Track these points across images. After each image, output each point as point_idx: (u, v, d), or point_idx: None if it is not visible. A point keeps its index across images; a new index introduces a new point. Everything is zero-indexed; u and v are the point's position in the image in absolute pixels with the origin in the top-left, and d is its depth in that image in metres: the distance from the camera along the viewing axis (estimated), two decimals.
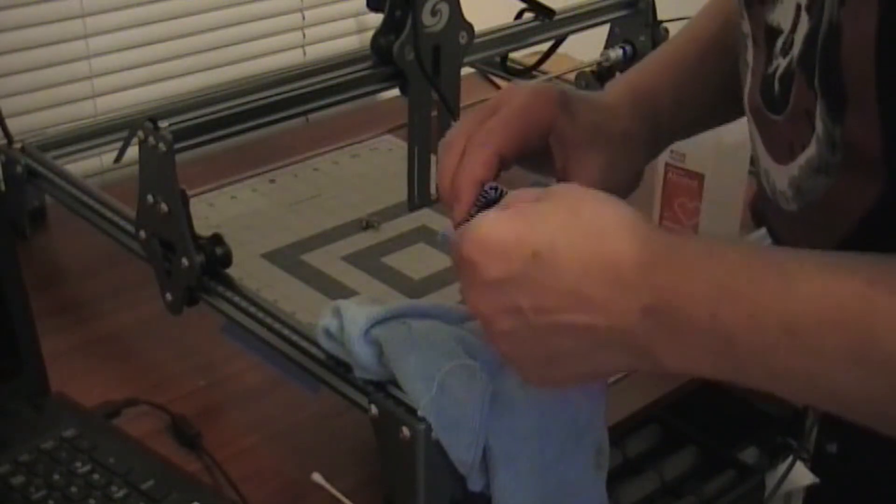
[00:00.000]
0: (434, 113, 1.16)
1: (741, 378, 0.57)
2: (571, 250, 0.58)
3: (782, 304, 0.53)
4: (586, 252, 0.58)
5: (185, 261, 0.92)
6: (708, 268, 0.56)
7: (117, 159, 1.11)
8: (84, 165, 1.20)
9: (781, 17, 0.65)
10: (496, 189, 0.70)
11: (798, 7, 0.62)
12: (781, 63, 0.65)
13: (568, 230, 0.59)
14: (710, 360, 0.56)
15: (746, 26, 0.70)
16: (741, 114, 0.73)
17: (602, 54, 1.43)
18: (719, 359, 0.56)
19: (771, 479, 1.04)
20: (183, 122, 1.11)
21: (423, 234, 1.16)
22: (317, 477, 0.84)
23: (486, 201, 0.70)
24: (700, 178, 1.11)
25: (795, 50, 0.63)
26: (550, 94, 0.75)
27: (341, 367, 0.81)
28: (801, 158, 0.64)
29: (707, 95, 0.82)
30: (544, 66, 1.47)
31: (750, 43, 0.69)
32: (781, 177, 0.66)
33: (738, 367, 0.56)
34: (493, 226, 0.61)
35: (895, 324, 0.51)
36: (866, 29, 0.56)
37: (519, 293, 0.60)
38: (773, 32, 0.66)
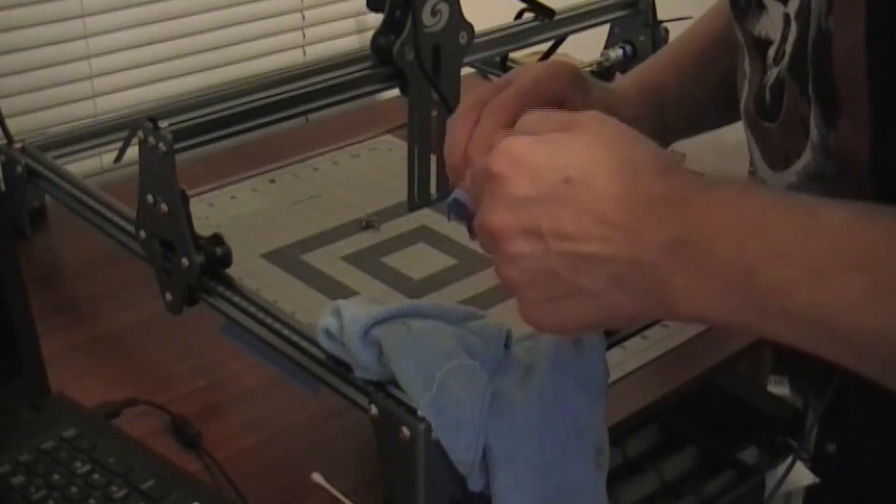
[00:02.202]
0: (434, 113, 1.16)
1: (756, 319, 0.55)
2: (605, 179, 0.58)
3: (810, 243, 0.53)
4: (620, 182, 0.57)
5: (185, 261, 0.92)
6: (739, 205, 0.55)
7: (117, 159, 1.11)
8: (84, 165, 1.20)
9: (768, 27, 0.65)
10: None
11: (787, 17, 0.62)
12: (773, 73, 0.65)
13: (603, 161, 0.58)
14: (728, 297, 0.55)
15: (740, 37, 0.70)
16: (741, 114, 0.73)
17: (602, 54, 1.43)
18: (738, 296, 0.55)
19: (771, 479, 1.04)
20: (183, 122, 1.11)
21: (423, 234, 1.16)
22: (317, 477, 0.84)
23: None
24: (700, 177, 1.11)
25: (786, 59, 0.63)
26: (564, 70, 0.75)
27: (341, 367, 0.81)
28: (798, 165, 0.64)
29: (710, 91, 0.82)
30: None
31: (745, 53, 0.70)
32: (778, 184, 0.67)
33: (756, 307, 0.54)
34: (528, 145, 0.60)
35: None
36: (855, 35, 0.56)
37: (543, 215, 0.59)
38: (761, 43, 0.66)
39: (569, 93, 0.74)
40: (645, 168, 0.58)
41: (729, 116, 0.84)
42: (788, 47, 0.62)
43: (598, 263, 0.58)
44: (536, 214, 0.59)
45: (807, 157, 0.63)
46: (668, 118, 0.81)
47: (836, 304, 0.52)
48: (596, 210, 0.57)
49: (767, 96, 0.65)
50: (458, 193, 0.68)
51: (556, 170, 0.59)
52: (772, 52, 0.65)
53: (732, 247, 0.54)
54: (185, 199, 0.92)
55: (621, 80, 0.83)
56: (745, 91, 0.70)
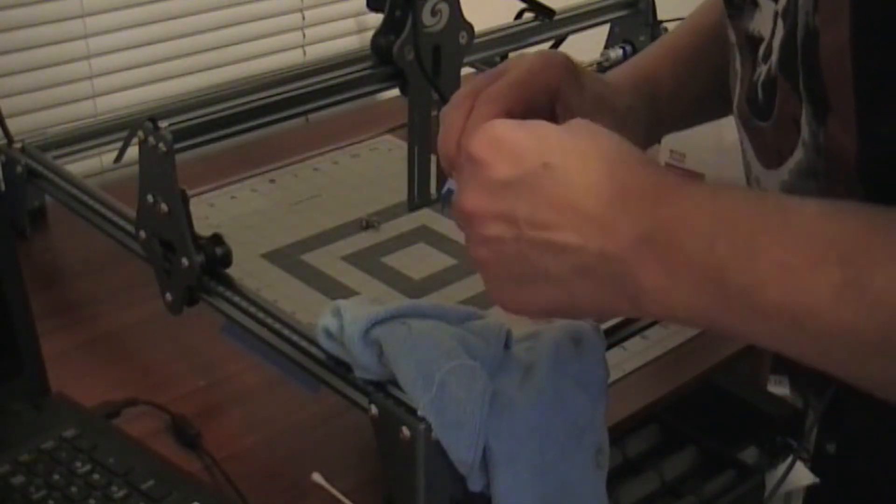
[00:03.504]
0: (434, 113, 1.16)
1: (725, 317, 0.56)
2: (583, 168, 0.58)
3: (780, 239, 0.53)
4: (597, 173, 0.58)
5: (185, 261, 0.92)
6: (711, 203, 0.56)
7: (117, 159, 1.11)
8: (84, 165, 1.20)
9: (761, 25, 0.65)
10: None
11: (776, 14, 0.63)
12: (763, 70, 0.65)
13: (583, 151, 0.59)
14: (695, 295, 0.56)
15: (732, 36, 0.70)
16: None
17: (602, 54, 1.43)
18: (706, 294, 0.55)
19: (771, 479, 1.04)
20: (183, 122, 1.11)
21: (423, 234, 1.16)
22: (317, 477, 0.84)
23: None
24: (700, 178, 1.11)
25: (774, 56, 0.63)
26: (558, 60, 0.75)
27: (341, 367, 0.81)
28: (791, 162, 0.64)
29: (704, 84, 0.82)
30: None
31: (737, 52, 0.70)
32: (772, 182, 0.67)
33: (724, 304, 0.55)
34: (510, 128, 0.61)
35: (889, 267, 0.50)
36: (841, 33, 0.56)
37: (518, 200, 0.59)
38: (753, 41, 0.66)
39: (562, 83, 0.74)
40: (623, 163, 0.59)
41: (723, 109, 0.84)
42: (775, 44, 0.63)
43: (568, 252, 0.58)
44: (511, 199, 0.59)
45: (798, 154, 0.63)
46: (662, 110, 0.81)
47: (805, 300, 0.52)
48: (571, 199, 0.58)
49: (759, 94, 0.66)
50: (451, 184, 0.68)
51: (536, 155, 0.59)
52: (762, 49, 0.65)
53: (702, 243, 0.55)
54: (185, 199, 0.92)
55: (615, 72, 0.83)
56: (737, 90, 0.70)
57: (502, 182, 0.60)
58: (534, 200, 0.59)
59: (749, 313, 0.54)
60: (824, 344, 0.53)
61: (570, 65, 0.75)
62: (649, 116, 0.80)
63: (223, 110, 1.15)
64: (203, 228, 0.94)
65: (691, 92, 0.82)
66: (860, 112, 0.57)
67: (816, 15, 0.57)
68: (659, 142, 0.92)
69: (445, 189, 0.69)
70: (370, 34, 1.21)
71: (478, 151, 0.61)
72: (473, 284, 1.07)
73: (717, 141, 1.07)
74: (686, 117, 0.86)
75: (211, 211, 1.20)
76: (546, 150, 0.59)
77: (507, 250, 0.60)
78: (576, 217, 0.58)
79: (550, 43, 1.43)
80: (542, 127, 0.62)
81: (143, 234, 0.96)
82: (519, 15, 1.40)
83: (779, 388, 1.35)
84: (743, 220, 0.55)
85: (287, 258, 1.12)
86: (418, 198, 1.17)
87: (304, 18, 1.46)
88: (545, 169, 0.59)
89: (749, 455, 1.08)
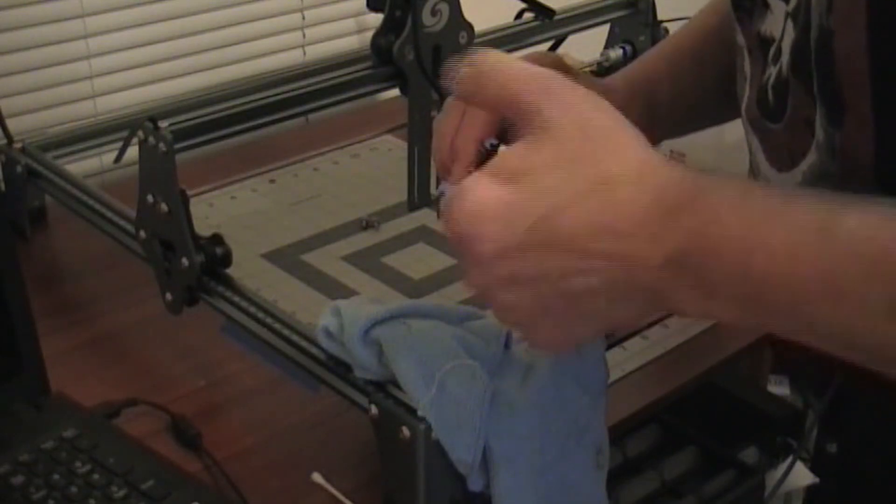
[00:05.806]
0: (434, 113, 1.16)
1: (771, 326, 0.54)
2: (577, 208, 0.53)
3: (823, 251, 0.49)
4: (595, 207, 0.53)
5: (185, 261, 0.92)
6: (741, 211, 0.51)
7: (117, 159, 1.11)
8: (84, 165, 1.20)
9: (773, 26, 0.65)
10: (496, 146, 0.67)
11: (786, 15, 0.63)
12: (773, 72, 0.65)
13: (572, 183, 0.53)
14: (737, 308, 0.53)
15: (741, 38, 0.70)
16: (739, 111, 0.73)
17: (602, 54, 1.43)
18: (748, 307, 0.52)
19: (771, 479, 1.04)
20: (183, 122, 1.11)
21: (423, 234, 1.16)
22: (317, 477, 0.84)
23: (487, 158, 0.67)
24: None
25: (784, 58, 0.63)
26: (548, 62, 0.75)
27: (341, 367, 0.81)
28: (804, 165, 0.64)
29: (705, 88, 0.82)
30: None
31: (746, 54, 0.70)
32: (783, 185, 0.67)
33: (769, 315, 0.52)
34: (483, 193, 0.55)
35: None
36: (857, 34, 0.56)
37: (518, 264, 0.55)
38: (765, 42, 0.66)
39: None
40: (621, 182, 0.53)
41: (727, 114, 0.84)
42: (785, 46, 0.62)
43: (595, 293, 0.55)
44: (510, 266, 0.55)
45: (812, 157, 0.63)
46: (660, 112, 0.81)
47: (855, 315, 0.49)
48: (573, 244, 0.54)
49: (770, 96, 0.65)
50: (445, 187, 0.68)
51: (519, 213, 0.54)
52: (772, 50, 0.65)
53: (737, 260, 0.51)
54: (185, 199, 0.92)
55: (613, 76, 0.83)
56: (745, 93, 0.70)
57: (493, 254, 0.55)
58: (536, 259, 0.55)
59: (798, 324, 0.52)
60: (877, 356, 0.51)
61: (560, 66, 0.75)
62: (644, 118, 0.79)
63: (223, 110, 1.15)
64: (203, 228, 0.94)
65: (695, 93, 0.82)
66: (877, 113, 0.57)
67: (831, 15, 0.57)
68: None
69: (439, 191, 0.68)
70: (370, 34, 1.21)
71: (457, 230, 0.56)
72: None
73: (718, 141, 1.07)
74: (687, 121, 0.85)
75: (211, 211, 1.20)
76: (529, 205, 0.54)
77: (530, 308, 0.57)
78: (587, 260, 0.54)
79: (550, 43, 1.43)
80: (518, 175, 0.55)
81: (143, 234, 0.96)
82: (519, 15, 1.40)
83: (779, 388, 1.35)
84: (780, 232, 0.50)
85: (287, 258, 1.12)
86: (418, 198, 1.17)
87: (304, 18, 1.46)
88: (535, 227, 0.54)
89: (749, 455, 1.08)
